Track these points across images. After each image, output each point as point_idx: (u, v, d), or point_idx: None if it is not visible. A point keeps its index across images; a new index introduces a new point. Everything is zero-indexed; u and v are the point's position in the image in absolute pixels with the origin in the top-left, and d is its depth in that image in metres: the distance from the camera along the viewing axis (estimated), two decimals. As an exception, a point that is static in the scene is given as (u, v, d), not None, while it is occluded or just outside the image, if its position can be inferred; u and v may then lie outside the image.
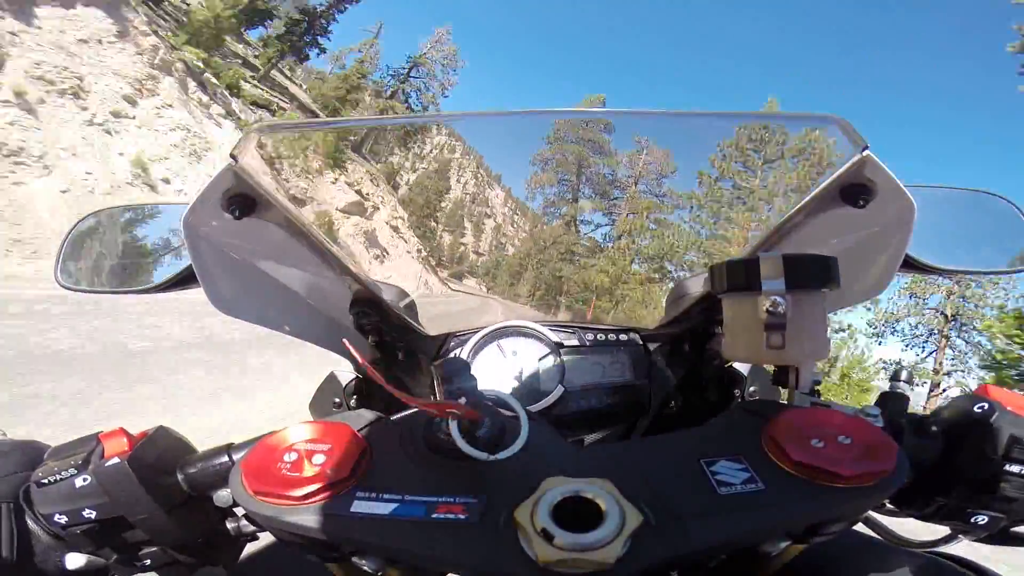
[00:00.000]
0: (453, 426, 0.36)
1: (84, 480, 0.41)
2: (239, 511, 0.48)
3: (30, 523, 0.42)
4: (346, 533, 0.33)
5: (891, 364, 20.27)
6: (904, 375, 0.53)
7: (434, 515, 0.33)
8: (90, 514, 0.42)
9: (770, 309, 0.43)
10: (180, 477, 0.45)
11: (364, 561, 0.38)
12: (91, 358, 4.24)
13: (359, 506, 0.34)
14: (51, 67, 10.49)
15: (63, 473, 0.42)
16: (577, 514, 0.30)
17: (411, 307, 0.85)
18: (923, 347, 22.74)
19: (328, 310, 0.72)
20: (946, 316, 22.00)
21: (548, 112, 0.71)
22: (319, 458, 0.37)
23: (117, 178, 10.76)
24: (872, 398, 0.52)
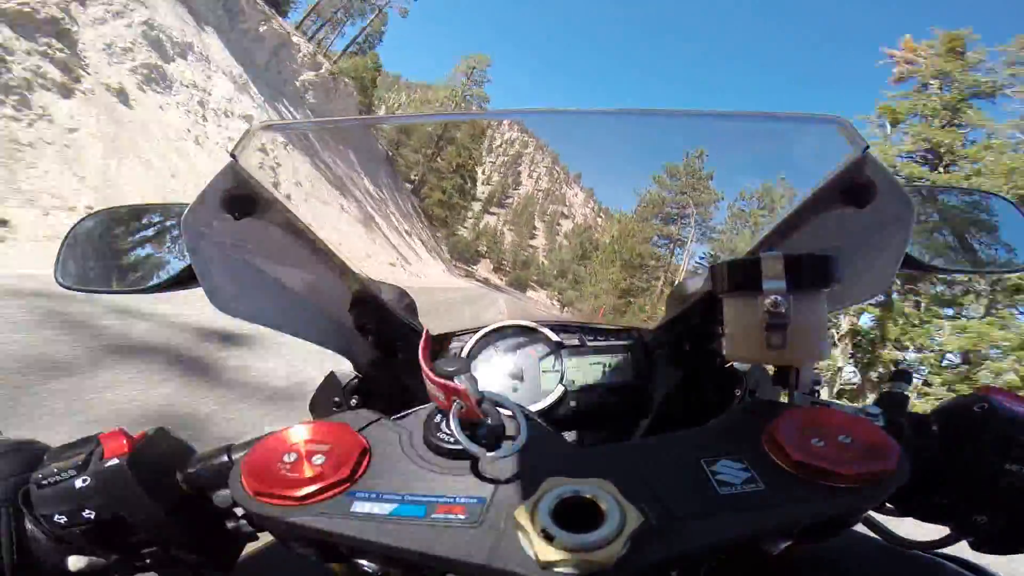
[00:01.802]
0: (454, 421, 0.36)
1: (84, 481, 0.41)
2: (239, 511, 0.48)
3: (30, 525, 0.42)
4: (346, 533, 0.33)
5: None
6: (905, 375, 0.53)
7: (434, 515, 0.33)
8: (90, 515, 0.41)
9: (771, 309, 0.43)
10: (179, 478, 0.45)
11: (364, 561, 0.38)
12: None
13: (359, 506, 0.34)
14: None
15: (63, 474, 0.41)
16: (577, 514, 0.30)
17: (411, 307, 0.86)
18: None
19: (328, 310, 0.73)
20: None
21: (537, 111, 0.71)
22: (319, 458, 0.37)
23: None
24: None
